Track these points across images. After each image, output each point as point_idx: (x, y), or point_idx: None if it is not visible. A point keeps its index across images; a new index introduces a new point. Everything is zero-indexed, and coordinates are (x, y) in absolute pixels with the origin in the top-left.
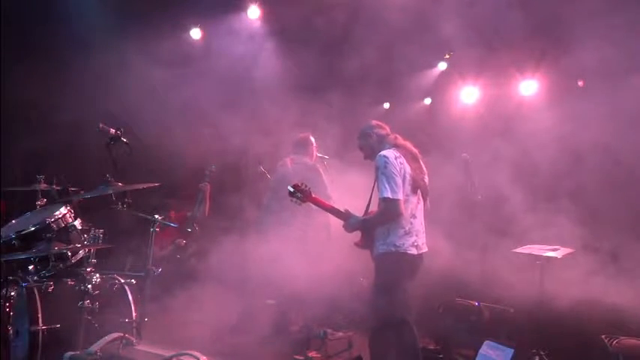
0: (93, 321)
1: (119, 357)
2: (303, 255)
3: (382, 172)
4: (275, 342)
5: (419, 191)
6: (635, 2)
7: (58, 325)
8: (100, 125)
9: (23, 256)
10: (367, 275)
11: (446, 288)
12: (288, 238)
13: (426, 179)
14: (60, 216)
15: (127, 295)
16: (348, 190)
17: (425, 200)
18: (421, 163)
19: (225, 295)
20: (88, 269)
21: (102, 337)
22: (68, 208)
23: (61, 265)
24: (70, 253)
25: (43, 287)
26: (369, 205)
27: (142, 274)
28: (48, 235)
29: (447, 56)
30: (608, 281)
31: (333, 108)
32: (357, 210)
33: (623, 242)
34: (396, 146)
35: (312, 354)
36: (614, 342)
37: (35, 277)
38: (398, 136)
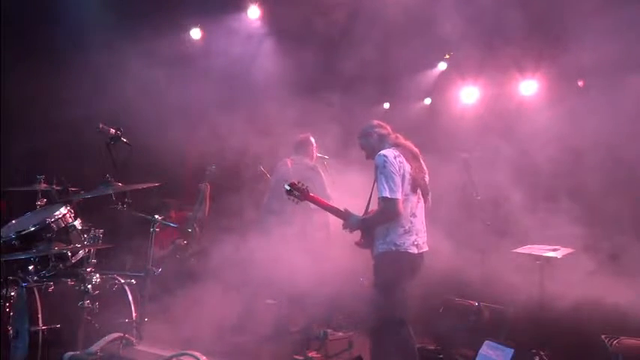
0: (93, 321)
1: (119, 357)
2: (303, 255)
3: (381, 172)
4: (275, 342)
5: (419, 190)
6: (635, 0)
7: (58, 325)
8: (100, 125)
9: (23, 256)
10: (367, 275)
11: (446, 288)
12: (288, 237)
13: (427, 178)
14: (60, 216)
15: (127, 295)
16: (348, 190)
17: (425, 199)
18: (422, 162)
19: (225, 295)
20: (88, 269)
21: (102, 337)
22: (68, 208)
23: (61, 265)
24: (70, 253)
25: (43, 287)
26: (369, 204)
27: (142, 274)
28: (48, 235)
29: (447, 56)
30: (608, 281)
31: (333, 108)
32: (358, 209)
33: (624, 242)
34: (397, 145)
35: (312, 354)
36: (614, 342)
37: (35, 277)
38: (399, 135)
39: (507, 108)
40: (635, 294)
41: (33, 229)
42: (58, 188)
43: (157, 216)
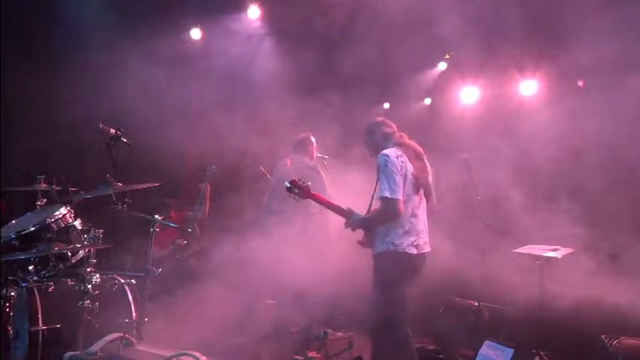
0: (93, 321)
1: (119, 357)
2: (303, 255)
3: (382, 172)
4: (275, 342)
5: (421, 190)
6: (635, 0)
7: (58, 325)
8: (100, 125)
9: (23, 256)
10: (367, 275)
11: (446, 288)
12: (288, 237)
13: (430, 178)
14: (60, 216)
15: (127, 295)
16: (348, 190)
17: (429, 199)
18: (425, 161)
19: (225, 295)
20: (88, 269)
21: (102, 337)
22: (68, 208)
23: (61, 265)
24: (70, 253)
25: (43, 287)
26: (371, 203)
27: (142, 274)
28: (48, 235)
29: (447, 56)
30: (608, 281)
31: (333, 108)
32: (359, 209)
33: (624, 242)
34: (400, 145)
35: (312, 354)
36: (614, 342)
37: (35, 277)
38: (403, 134)
39: (507, 108)
40: (635, 294)
41: (33, 229)
42: (58, 188)
43: (156, 216)
